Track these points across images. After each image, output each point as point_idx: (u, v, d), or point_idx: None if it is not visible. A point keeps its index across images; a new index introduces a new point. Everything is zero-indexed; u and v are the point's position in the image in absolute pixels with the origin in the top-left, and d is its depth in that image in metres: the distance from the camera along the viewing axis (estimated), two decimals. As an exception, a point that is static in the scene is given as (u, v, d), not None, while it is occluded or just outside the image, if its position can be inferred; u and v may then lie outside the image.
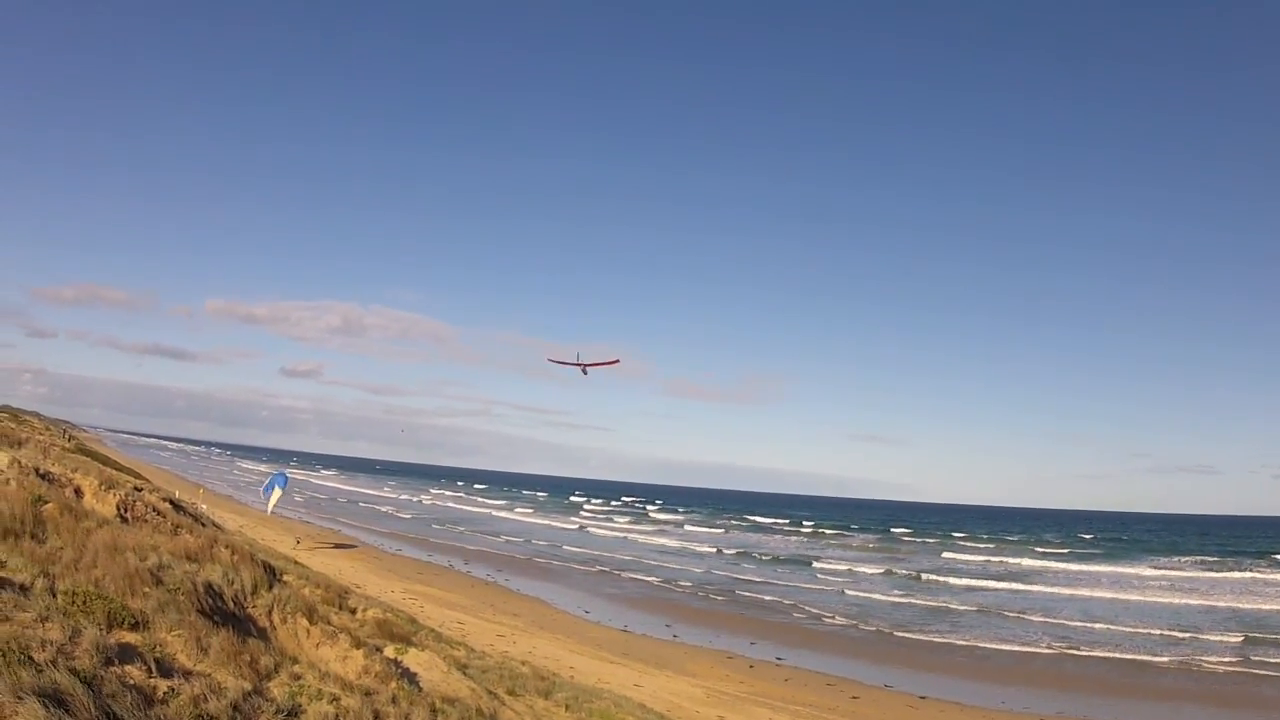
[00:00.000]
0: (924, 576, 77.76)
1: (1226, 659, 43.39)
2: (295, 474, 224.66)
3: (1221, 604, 61.42)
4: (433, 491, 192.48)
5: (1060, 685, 37.89)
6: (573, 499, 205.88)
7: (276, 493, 56.83)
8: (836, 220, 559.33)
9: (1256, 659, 43.62)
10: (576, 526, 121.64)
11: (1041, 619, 54.32)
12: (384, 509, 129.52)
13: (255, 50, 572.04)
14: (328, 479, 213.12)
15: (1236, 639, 47.89)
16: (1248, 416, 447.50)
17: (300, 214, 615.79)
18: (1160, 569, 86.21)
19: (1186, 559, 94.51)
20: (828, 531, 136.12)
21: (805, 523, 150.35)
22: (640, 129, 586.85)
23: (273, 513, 54.40)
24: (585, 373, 51.91)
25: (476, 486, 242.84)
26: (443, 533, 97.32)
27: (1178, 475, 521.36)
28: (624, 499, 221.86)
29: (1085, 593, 66.97)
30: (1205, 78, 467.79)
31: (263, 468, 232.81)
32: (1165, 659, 43.56)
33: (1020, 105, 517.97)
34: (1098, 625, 51.99)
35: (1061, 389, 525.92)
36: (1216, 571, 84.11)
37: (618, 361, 50.50)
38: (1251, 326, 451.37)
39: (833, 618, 53.69)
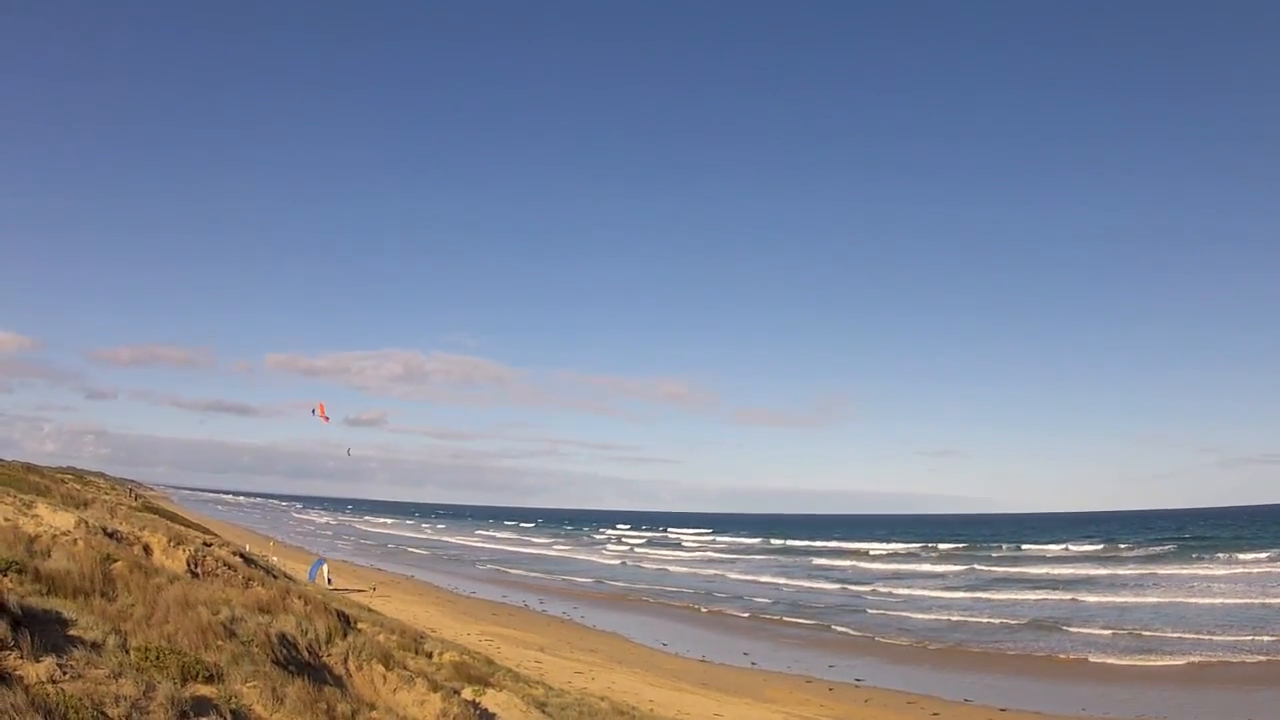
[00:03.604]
0: (995, 587, 76.28)
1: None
2: (346, 519, 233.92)
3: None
4: (479, 533, 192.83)
5: (1136, 690, 36.85)
6: (611, 530, 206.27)
7: (322, 570, 58.09)
8: (891, 236, 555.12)
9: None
10: (619, 561, 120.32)
11: (1113, 625, 52.72)
12: (422, 551, 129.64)
13: (303, 107, 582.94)
14: (378, 525, 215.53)
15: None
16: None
17: (355, 265, 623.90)
18: (1232, 566, 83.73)
19: (1260, 555, 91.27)
20: (896, 549, 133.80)
21: (873, 541, 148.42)
22: (696, 157, 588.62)
23: (330, 582, 55.67)
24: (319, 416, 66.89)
25: (523, 525, 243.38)
26: (486, 573, 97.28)
27: (1246, 467, 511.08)
28: (665, 528, 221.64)
29: (1154, 598, 64.66)
30: (1238, 58, 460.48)
31: (319, 518, 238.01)
32: (1242, 658, 42.16)
33: (1063, 101, 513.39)
34: (1168, 629, 50.27)
35: (1126, 389, 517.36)
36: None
37: (321, 404, 65.97)
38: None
39: (907, 635, 52.73)
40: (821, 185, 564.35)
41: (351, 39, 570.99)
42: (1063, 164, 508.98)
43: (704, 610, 66.26)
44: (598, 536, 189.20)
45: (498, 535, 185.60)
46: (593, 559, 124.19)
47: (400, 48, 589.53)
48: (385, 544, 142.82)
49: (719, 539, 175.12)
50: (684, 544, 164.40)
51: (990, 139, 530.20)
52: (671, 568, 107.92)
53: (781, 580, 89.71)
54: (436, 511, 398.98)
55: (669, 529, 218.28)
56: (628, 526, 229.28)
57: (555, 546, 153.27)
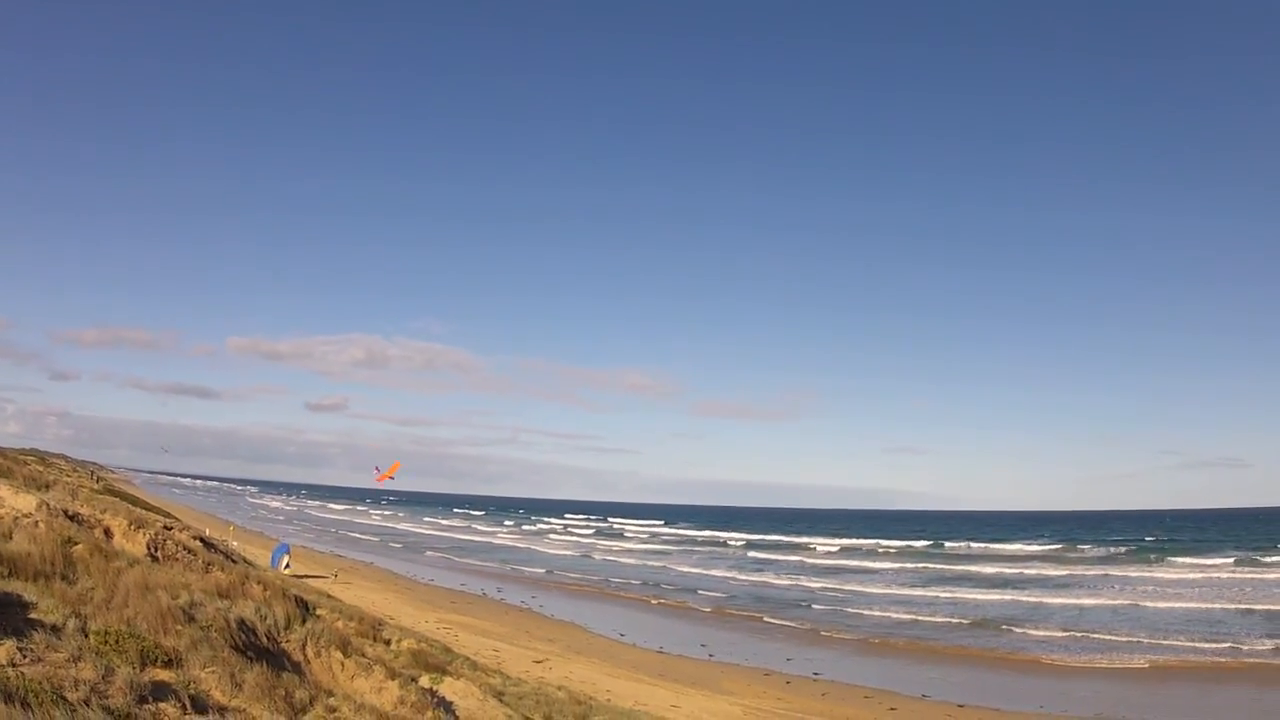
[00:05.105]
0: (952, 585, 76.94)
1: (1263, 660, 42.56)
2: (300, 504, 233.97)
3: (1258, 607, 59.54)
4: (427, 520, 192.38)
5: (1093, 688, 37.45)
6: (557, 520, 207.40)
7: (284, 559, 57.91)
8: (860, 233, 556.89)
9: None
10: (567, 550, 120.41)
11: (1069, 625, 53.36)
12: (371, 538, 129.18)
13: (274, 88, 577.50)
14: (330, 511, 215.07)
15: (1267, 645, 45.76)
16: (1273, 407, 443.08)
17: (319, 249, 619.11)
18: (1188, 571, 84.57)
19: (1217, 560, 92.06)
20: (853, 544, 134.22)
21: (832, 537, 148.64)
22: (664, 149, 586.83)
23: (288, 567, 55.49)
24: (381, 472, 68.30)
25: (473, 513, 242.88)
26: (437, 560, 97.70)
27: (1206, 470, 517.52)
28: (608, 518, 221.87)
29: (1110, 599, 65.18)
30: (1214, 65, 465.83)
31: (274, 503, 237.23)
32: (1197, 660, 42.92)
33: (1030, 106, 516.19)
34: (1124, 630, 50.98)
35: (1088, 390, 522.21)
36: (1247, 569, 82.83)
37: (397, 464, 68.95)
38: (1273, 316, 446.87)
39: (865, 630, 53.34)
40: (792, 182, 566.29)
41: (318, 22, 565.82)
42: (1030, 166, 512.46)
43: (656, 602, 66.71)
44: (542, 525, 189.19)
45: (443, 523, 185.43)
46: (536, 548, 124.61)
47: (366, 31, 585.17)
48: (331, 529, 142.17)
49: (668, 530, 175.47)
50: (627, 534, 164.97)
51: (961, 140, 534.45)
52: (620, 559, 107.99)
53: (735, 574, 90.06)
54: (388, 498, 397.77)
55: (613, 519, 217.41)
56: (578, 516, 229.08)
57: (500, 535, 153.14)
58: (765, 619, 58.48)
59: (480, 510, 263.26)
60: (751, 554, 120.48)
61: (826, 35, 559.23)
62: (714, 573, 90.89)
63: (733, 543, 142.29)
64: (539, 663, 36.74)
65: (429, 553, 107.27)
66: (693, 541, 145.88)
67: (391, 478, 62.74)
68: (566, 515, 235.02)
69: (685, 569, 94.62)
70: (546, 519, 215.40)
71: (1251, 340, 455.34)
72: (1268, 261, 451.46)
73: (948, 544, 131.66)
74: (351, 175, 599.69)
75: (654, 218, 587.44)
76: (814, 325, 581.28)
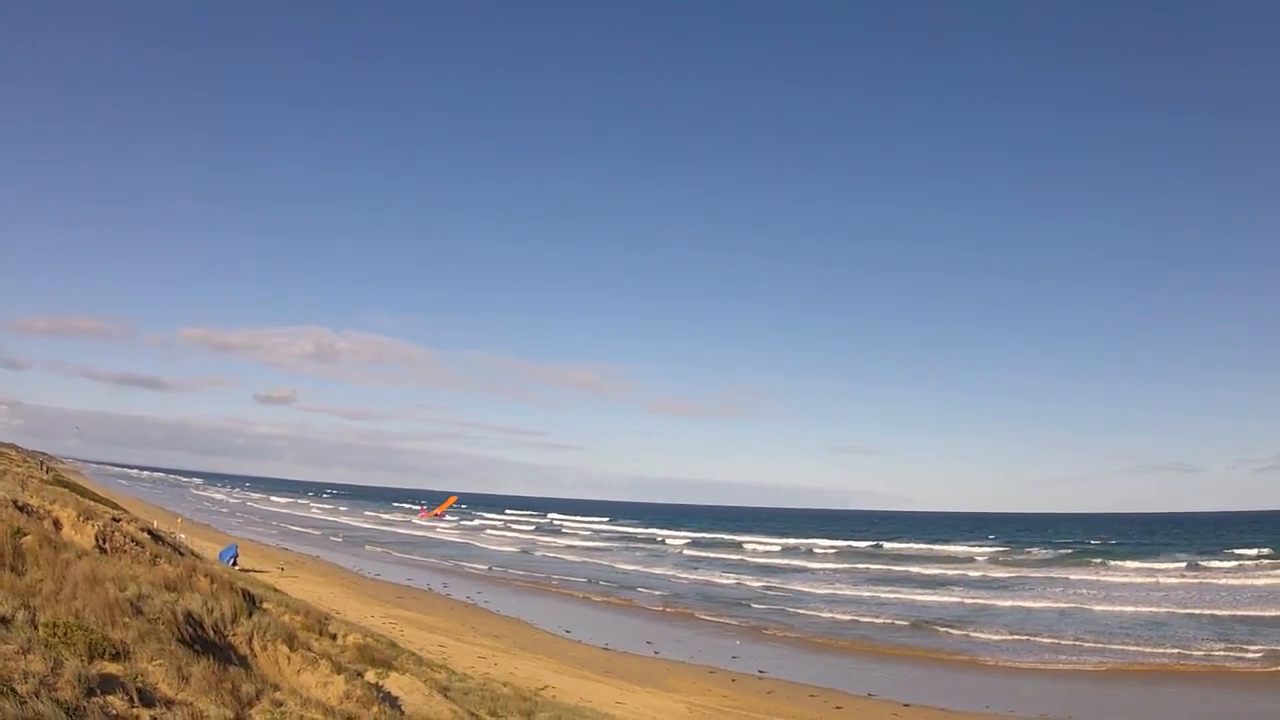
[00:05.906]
0: (899, 586, 77.76)
1: (1212, 664, 43.50)
2: (244, 496, 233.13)
3: (1205, 611, 60.30)
4: (367, 514, 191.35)
5: (1037, 689, 38.18)
6: (498, 516, 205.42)
7: (232, 558, 57.59)
8: (813, 232, 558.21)
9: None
10: (507, 547, 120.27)
11: (1014, 626, 54.27)
12: (313, 531, 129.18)
13: (225, 77, 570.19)
14: (272, 504, 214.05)
15: (1216, 649, 46.76)
16: (1224, 413, 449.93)
17: (270, 240, 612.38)
18: (1136, 575, 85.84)
19: (1169, 564, 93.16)
20: (799, 544, 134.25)
21: (779, 536, 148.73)
22: (616, 145, 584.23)
23: (235, 564, 55.28)
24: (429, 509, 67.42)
25: (411, 507, 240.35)
26: (385, 554, 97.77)
27: (1157, 474, 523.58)
28: (548, 513, 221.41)
29: (1055, 602, 66.17)
30: (1172, 77, 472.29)
31: (218, 495, 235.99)
32: (1141, 663, 43.81)
33: (989, 110, 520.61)
34: (1069, 631, 51.92)
35: (1039, 394, 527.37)
36: (1195, 574, 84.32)
37: (452, 499, 65.39)
38: (1225, 322, 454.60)
39: (811, 629, 53.89)
40: (748, 180, 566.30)
41: (273, 11, 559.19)
42: (986, 168, 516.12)
43: (599, 599, 67.00)
44: (480, 520, 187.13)
45: (384, 516, 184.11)
46: (475, 543, 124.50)
47: (319, 21, 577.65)
48: (274, 522, 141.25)
49: (610, 528, 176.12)
50: (567, 530, 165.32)
51: (935, 140, 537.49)
52: (563, 555, 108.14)
53: (678, 572, 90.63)
54: (329, 490, 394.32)
55: (554, 515, 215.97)
56: (519, 511, 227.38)
57: (440, 530, 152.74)
58: (709, 617, 58.93)
59: (421, 504, 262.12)
60: (693, 552, 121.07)
61: (794, 37, 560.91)
62: (656, 570, 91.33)
63: (673, 540, 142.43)
64: (484, 658, 36.88)
65: (369, 547, 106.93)
66: (634, 539, 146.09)
67: (439, 515, 61.64)
68: (507, 510, 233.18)
69: (628, 566, 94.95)
70: (485, 514, 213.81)
71: (1202, 347, 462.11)
72: (1220, 269, 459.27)
73: (889, 544, 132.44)
74: (306, 167, 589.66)
75: (607, 214, 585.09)
76: (768, 324, 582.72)
